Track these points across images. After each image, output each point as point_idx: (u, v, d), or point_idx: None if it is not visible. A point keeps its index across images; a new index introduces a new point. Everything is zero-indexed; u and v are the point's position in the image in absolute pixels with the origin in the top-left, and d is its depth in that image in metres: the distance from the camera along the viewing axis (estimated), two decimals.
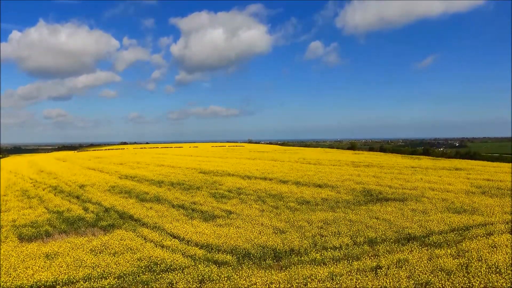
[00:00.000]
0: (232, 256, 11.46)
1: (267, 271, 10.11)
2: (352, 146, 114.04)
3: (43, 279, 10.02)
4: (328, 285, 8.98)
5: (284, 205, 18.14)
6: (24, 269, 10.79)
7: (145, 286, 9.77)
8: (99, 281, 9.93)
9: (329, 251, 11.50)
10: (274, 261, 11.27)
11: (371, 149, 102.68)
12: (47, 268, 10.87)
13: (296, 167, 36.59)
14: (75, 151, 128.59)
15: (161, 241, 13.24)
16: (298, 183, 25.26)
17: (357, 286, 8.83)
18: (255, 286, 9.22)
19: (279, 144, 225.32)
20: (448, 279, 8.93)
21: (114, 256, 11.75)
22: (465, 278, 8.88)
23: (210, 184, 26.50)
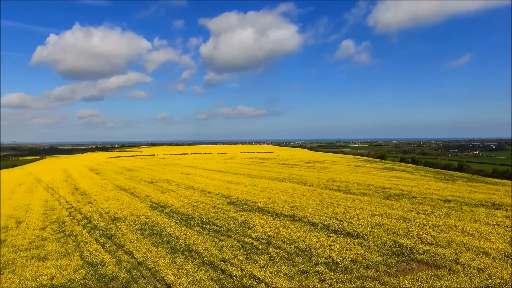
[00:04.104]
0: None
1: None
2: (382, 155, 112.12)
3: None
4: None
5: (312, 269, 18.03)
6: None
7: None
8: None
9: None
10: None
11: (402, 159, 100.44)
12: None
13: (325, 197, 36.27)
14: (107, 157, 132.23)
15: None
16: (327, 228, 25.04)
17: None
18: None
19: (308, 148, 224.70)
20: None
21: None
22: None
23: (239, 225, 26.70)
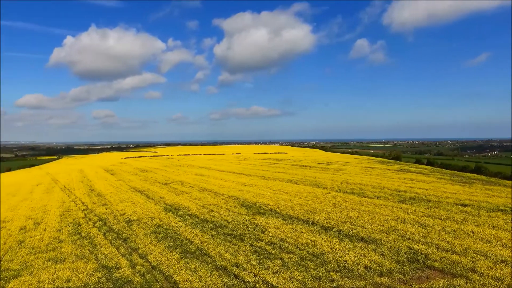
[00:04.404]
0: None
1: None
2: (397, 156, 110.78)
3: None
4: None
5: (325, 276, 17.91)
6: None
7: None
8: None
9: None
10: None
11: (417, 160, 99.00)
12: None
13: (339, 200, 36.01)
14: (122, 158, 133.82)
15: None
16: (341, 233, 24.87)
17: None
18: None
19: (322, 149, 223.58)
20: None
21: None
22: None
23: (253, 229, 26.71)
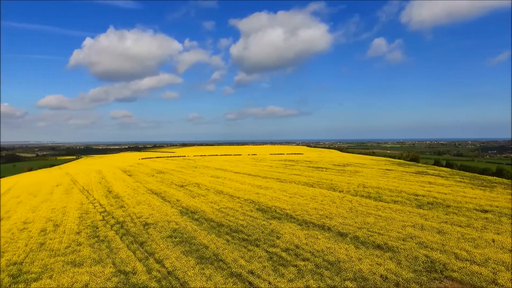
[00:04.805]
0: None
1: None
2: (415, 158, 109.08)
3: None
4: None
5: (341, 285, 17.76)
6: None
7: None
8: None
9: None
10: None
11: (436, 162, 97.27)
12: None
13: (356, 205, 35.69)
14: (139, 158, 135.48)
15: None
16: (357, 239, 24.64)
17: None
18: None
19: (338, 149, 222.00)
20: None
21: None
22: None
23: (268, 234, 26.70)
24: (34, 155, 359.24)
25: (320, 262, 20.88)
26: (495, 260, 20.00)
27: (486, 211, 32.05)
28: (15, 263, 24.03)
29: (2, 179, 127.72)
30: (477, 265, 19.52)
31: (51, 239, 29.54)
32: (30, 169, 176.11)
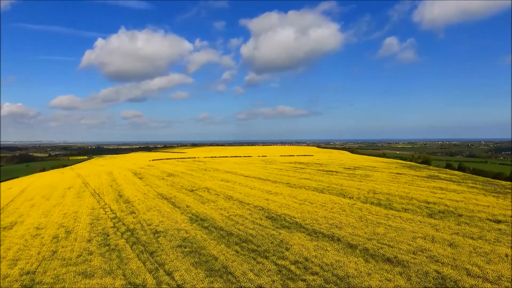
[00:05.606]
0: None
1: None
2: (427, 160, 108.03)
3: None
4: None
5: None
6: None
7: None
8: None
9: None
10: None
11: (448, 165, 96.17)
12: None
13: (366, 213, 35.47)
14: (150, 160, 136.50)
15: None
16: (366, 252, 24.49)
17: None
18: None
19: (349, 150, 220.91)
20: None
21: None
22: None
23: (277, 245, 26.69)
24: (47, 155, 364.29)
25: (329, 277, 20.79)
26: (508, 278, 19.67)
27: (499, 222, 31.54)
28: (28, 272, 24.46)
29: (16, 179, 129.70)
30: (490, 282, 19.23)
31: (63, 247, 29.95)
32: (43, 169, 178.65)
